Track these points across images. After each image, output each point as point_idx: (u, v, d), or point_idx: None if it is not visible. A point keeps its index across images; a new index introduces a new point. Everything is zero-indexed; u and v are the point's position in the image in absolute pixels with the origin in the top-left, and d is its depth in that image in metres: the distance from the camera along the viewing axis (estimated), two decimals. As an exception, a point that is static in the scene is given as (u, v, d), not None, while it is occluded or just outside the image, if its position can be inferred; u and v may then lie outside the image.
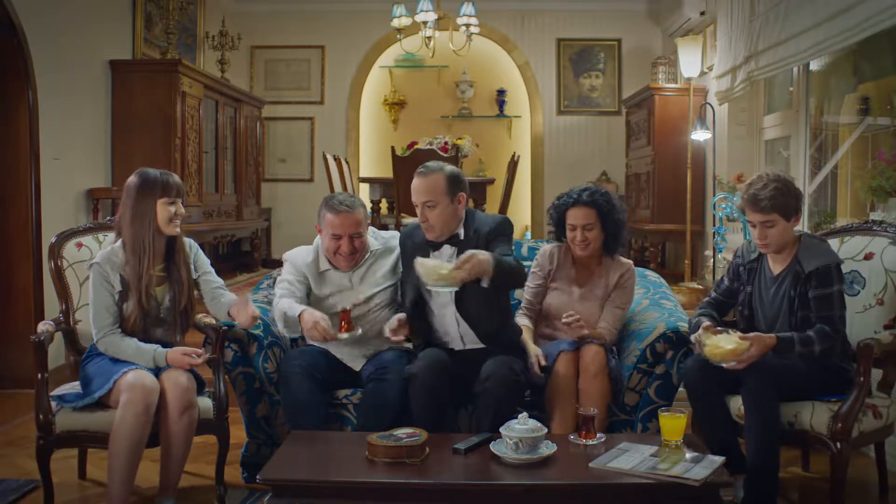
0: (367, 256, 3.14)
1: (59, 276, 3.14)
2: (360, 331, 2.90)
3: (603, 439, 2.58)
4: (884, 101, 4.55)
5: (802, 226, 4.99)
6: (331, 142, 8.16)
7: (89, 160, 5.09)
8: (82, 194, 4.96)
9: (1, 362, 4.47)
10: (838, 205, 4.90)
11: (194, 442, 2.87)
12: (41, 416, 2.74)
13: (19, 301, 4.47)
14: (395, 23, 5.92)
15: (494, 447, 2.43)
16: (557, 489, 2.33)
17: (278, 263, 6.39)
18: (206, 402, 2.91)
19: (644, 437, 2.72)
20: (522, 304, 3.27)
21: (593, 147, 8.21)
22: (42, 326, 2.93)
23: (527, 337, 3.14)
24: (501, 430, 2.44)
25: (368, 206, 6.33)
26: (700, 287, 5.84)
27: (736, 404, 2.78)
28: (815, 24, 4.31)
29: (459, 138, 6.26)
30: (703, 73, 6.36)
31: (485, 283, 2.77)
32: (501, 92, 8.32)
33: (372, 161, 8.40)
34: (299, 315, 2.89)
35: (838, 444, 2.62)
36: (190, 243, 3.03)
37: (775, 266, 2.85)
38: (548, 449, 2.42)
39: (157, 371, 2.77)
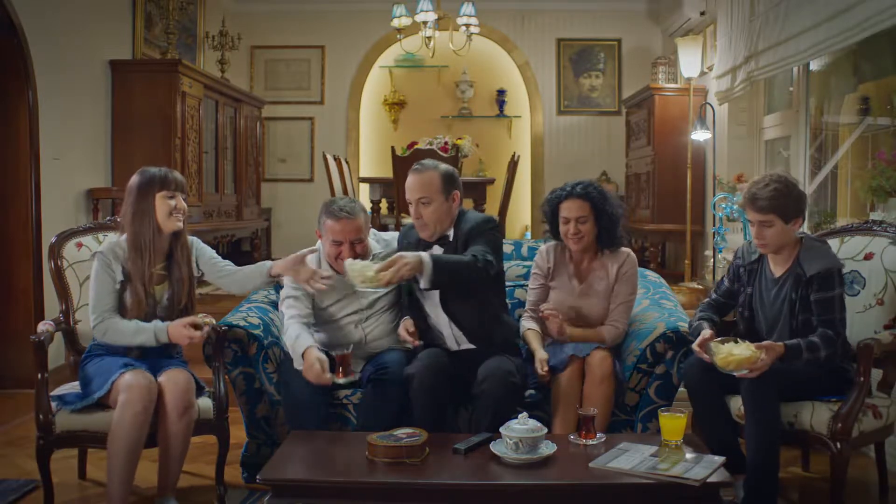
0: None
1: (59, 276, 3.14)
2: (357, 376, 2.87)
3: (603, 439, 2.58)
4: (884, 101, 4.54)
5: (802, 227, 4.99)
6: (331, 142, 8.16)
7: (89, 160, 5.09)
8: (82, 194, 4.96)
9: (1, 362, 4.48)
10: (838, 205, 4.90)
11: (194, 442, 2.87)
12: (41, 416, 2.74)
13: (19, 301, 4.47)
14: (395, 23, 5.92)
15: (494, 447, 2.44)
16: (557, 489, 2.33)
17: (278, 263, 6.40)
18: (206, 402, 2.91)
19: (644, 437, 2.72)
20: (526, 307, 3.26)
21: (593, 147, 8.21)
22: (42, 326, 2.93)
23: (533, 341, 3.09)
24: (501, 430, 2.44)
25: (368, 206, 6.34)
26: (700, 287, 5.84)
27: (736, 404, 2.78)
28: (815, 24, 4.31)
29: (459, 138, 6.25)
30: (703, 73, 6.36)
31: (423, 284, 2.77)
32: (501, 92, 8.31)
33: (372, 161, 8.40)
34: (303, 352, 2.84)
35: (838, 444, 2.62)
36: (192, 240, 3.03)
37: (776, 268, 2.84)
38: (548, 449, 2.42)
39: (155, 372, 2.77)
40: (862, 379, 2.70)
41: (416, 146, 5.78)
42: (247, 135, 6.98)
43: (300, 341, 2.86)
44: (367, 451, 2.44)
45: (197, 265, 3.01)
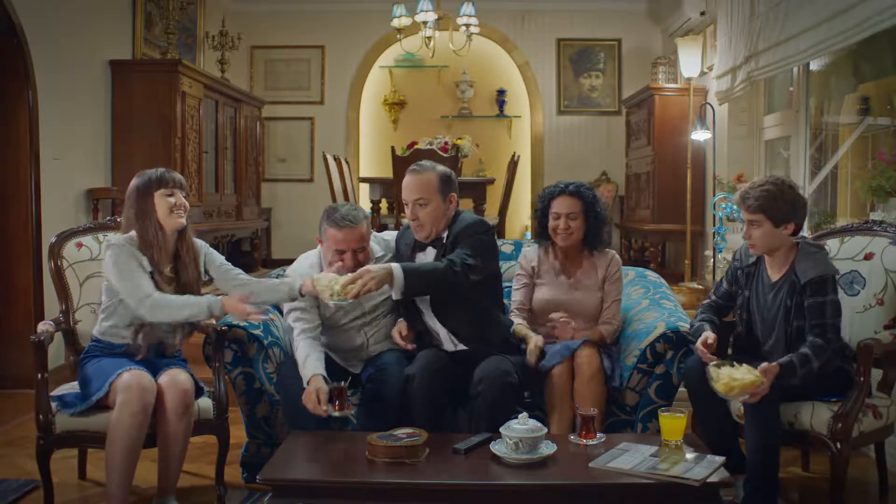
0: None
1: (59, 276, 3.14)
2: (353, 410, 2.83)
3: (603, 439, 2.58)
4: (884, 101, 4.55)
5: (802, 227, 4.99)
6: (331, 142, 8.16)
7: (89, 160, 5.09)
8: (82, 194, 4.96)
9: (1, 362, 4.48)
10: (838, 205, 4.90)
11: (194, 442, 2.88)
12: (41, 417, 2.74)
13: (19, 301, 4.47)
14: (395, 23, 5.92)
15: (494, 447, 2.44)
16: (557, 489, 2.33)
17: (278, 263, 6.41)
18: (206, 403, 2.92)
19: (644, 437, 2.72)
20: (513, 307, 3.30)
21: (593, 147, 8.21)
22: (42, 326, 2.93)
23: (524, 331, 3.12)
24: (501, 430, 2.44)
25: (368, 206, 6.35)
26: (700, 287, 5.83)
27: (736, 404, 2.78)
28: (815, 24, 4.31)
29: (459, 138, 6.25)
30: (703, 73, 6.36)
31: (394, 295, 2.79)
32: (501, 92, 8.31)
33: (372, 161, 8.40)
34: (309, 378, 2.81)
35: (838, 444, 2.63)
36: (201, 244, 3.02)
37: (773, 272, 2.83)
38: (548, 449, 2.42)
39: (155, 372, 2.77)
40: (862, 379, 2.70)
41: (416, 146, 5.78)
42: (247, 135, 6.98)
43: (308, 366, 2.82)
44: (367, 451, 2.44)
45: (206, 270, 3.00)
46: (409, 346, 3.00)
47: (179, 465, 2.79)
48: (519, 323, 3.20)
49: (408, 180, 3.02)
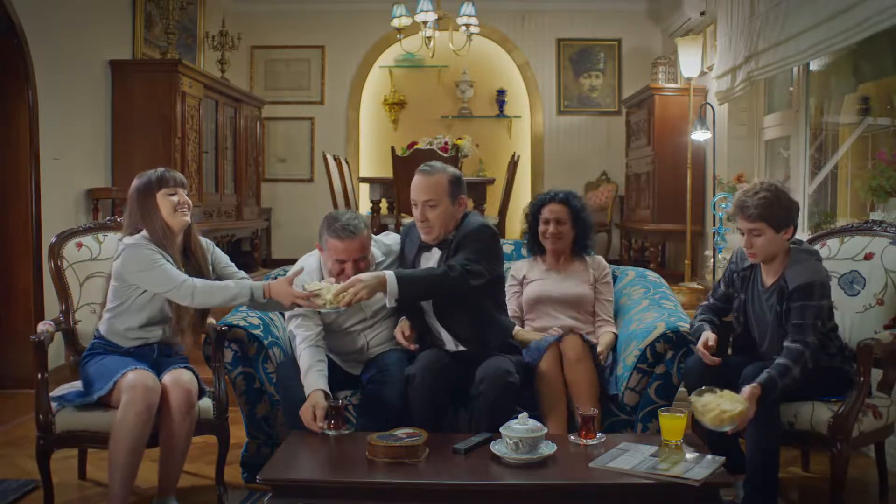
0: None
1: (59, 276, 3.14)
2: (351, 430, 2.78)
3: (603, 439, 2.58)
4: (884, 101, 4.55)
5: (802, 227, 4.99)
6: (331, 142, 8.16)
7: (89, 160, 5.09)
8: (82, 194, 4.96)
9: (1, 362, 4.48)
10: (838, 205, 4.90)
11: (194, 442, 2.87)
12: (41, 416, 2.74)
13: (19, 301, 4.47)
14: (395, 23, 5.92)
15: (494, 447, 2.44)
16: (557, 489, 2.33)
17: (278, 263, 6.41)
18: (206, 403, 2.91)
19: (644, 437, 2.72)
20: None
21: (593, 147, 8.21)
22: (42, 326, 2.93)
23: (524, 333, 3.24)
24: (501, 430, 2.44)
25: (368, 206, 6.35)
26: (700, 287, 5.83)
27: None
28: (815, 24, 4.31)
29: (459, 138, 6.25)
30: (703, 73, 6.36)
31: (388, 303, 2.79)
32: (501, 92, 8.31)
33: (372, 161, 8.40)
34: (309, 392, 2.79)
35: (838, 444, 2.62)
36: (206, 242, 3.02)
37: (767, 277, 2.82)
38: (548, 449, 2.42)
39: (159, 371, 2.77)
40: (862, 379, 2.70)
41: (416, 146, 5.78)
42: (247, 135, 6.98)
43: (309, 378, 2.81)
44: (367, 451, 2.44)
45: (213, 268, 3.00)
46: (412, 347, 2.99)
47: (181, 464, 2.79)
48: (518, 328, 3.26)
49: (418, 181, 3.00)
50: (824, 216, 4.78)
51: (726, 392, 2.47)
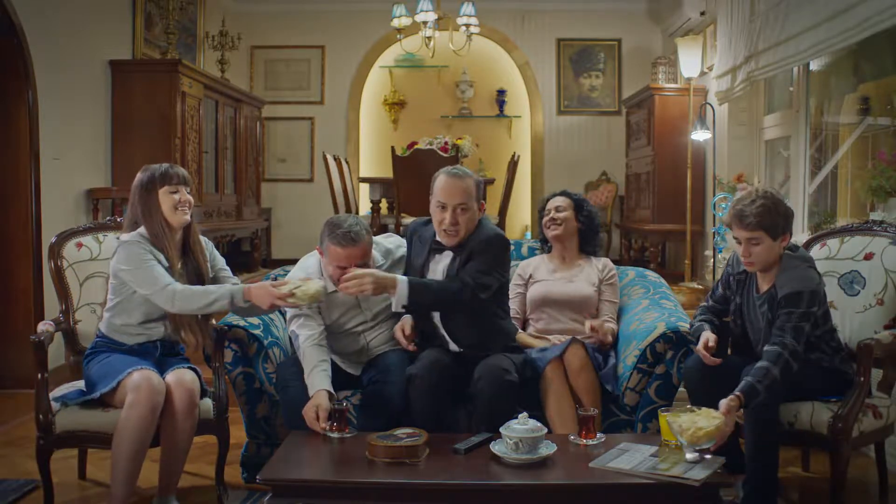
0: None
1: (59, 276, 3.14)
2: (352, 434, 2.75)
3: (603, 439, 2.58)
4: (884, 101, 4.55)
5: (802, 228, 4.99)
6: (331, 142, 8.16)
7: (89, 160, 5.09)
8: (82, 194, 4.96)
9: (1, 362, 4.48)
10: (838, 205, 4.90)
11: (195, 442, 2.87)
12: (41, 416, 2.74)
13: (19, 301, 4.47)
14: (395, 23, 5.92)
15: (494, 447, 2.43)
16: (557, 489, 2.33)
17: (278, 263, 6.41)
18: (206, 403, 2.91)
19: (644, 437, 2.72)
20: (511, 315, 3.32)
21: (593, 147, 8.21)
22: (42, 326, 2.93)
23: (525, 338, 3.24)
24: (501, 430, 2.44)
25: (368, 206, 6.35)
26: (700, 287, 5.84)
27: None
28: (815, 24, 4.31)
29: (459, 138, 6.25)
30: (703, 73, 6.36)
31: (394, 307, 2.83)
32: (501, 92, 8.32)
33: (372, 161, 8.40)
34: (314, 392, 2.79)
35: (838, 444, 2.62)
36: (205, 241, 3.02)
37: (762, 283, 2.81)
38: (548, 449, 2.42)
39: (162, 371, 2.77)
40: (862, 379, 2.70)
41: (416, 146, 5.77)
42: (247, 135, 6.98)
43: (314, 378, 2.80)
44: (367, 451, 2.44)
45: (210, 265, 3.00)
46: (411, 347, 3.00)
47: (182, 464, 2.79)
48: (518, 330, 3.26)
49: (450, 183, 2.96)
50: (824, 216, 4.78)
51: (703, 409, 2.43)
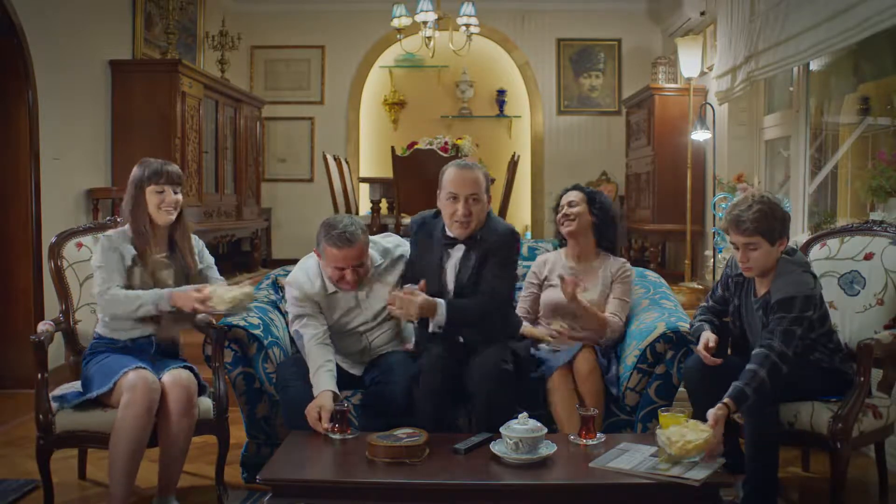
0: (371, 273, 3.04)
1: (59, 276, 3.14)
2: (354, 435, 2.73)
3: (603, 439, 2.59)
4: (884, 101, 4.55)
5: (802, 228, 4.99)
6: (331, 142, 8.16)
7: (89, 160, 5.09)
8: (82, 194, 4.96)
9: (1, 362, 4.48)
10: (838, 205, 4.90)
11: (194, 442, 2.87)
12: (41, 416, 2.74)
13: (19, 301, 4.47)
14: (395, 23, 5.92)
15: (494, 447, 2.44)
16: (557, 489, 2.33)
17: (278, 263, 6.41)
18: (206, 403, 2.91)
19: (644, 437, 2.72)
20: (518, 312, 3.32)
21: (593, 147, 8.21)
22: (42, 326, 2.93)
23: (531, 329, 3.24)
24: (501, 430, 2.44)
25: (368, 206, 6.35)
26: (700, 287, 5.84)
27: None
28: (815, 24, 4.31)
29: (459, 138, 6.24)
30: (703, 73, 6.36)
31: (431, 328, 2.89)
32: (501, 92, 8.32)
33: (372, 161, 8.40)
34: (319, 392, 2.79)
35: (838, 444, 2.62)
36: (196, 239, 3.04)
37: (759, 287, 2.81)
38: (548, 449, 2.42)
39: (159, 371, 2.77)
40: (862, 379, 2.70)
41: (416, 146, 5.77)
42: (247, 135, 6.98)
43: (319, 377, 2.81)
44: (368, 451, 2.44)
45: (199, 261, 3.02)
46: (408, 346, 3.02)
47: (181, 464, 2.79)
48: (525, 325, 3.26)
49: (461, 174, 2.99)
50: (824, 216, 4.78)
51: (691, 422, 2.43)
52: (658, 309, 3.22)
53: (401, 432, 2.51)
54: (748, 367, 2.56)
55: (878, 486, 2.98)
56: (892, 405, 2.86)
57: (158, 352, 2.91)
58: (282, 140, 8.30)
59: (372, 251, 3.06)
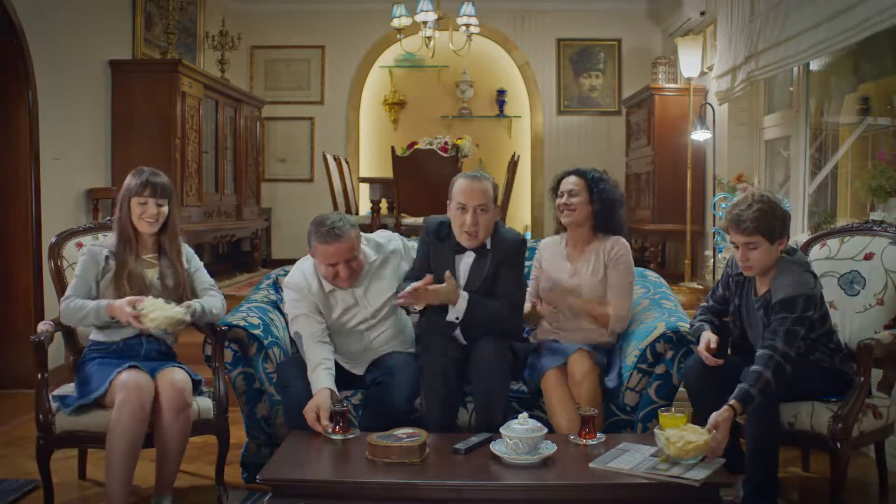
0: (367, 269, 3.07)
1: (59, 276, 3.14)
2: (354, 434, 2.73)
3: (603, 439, 2.59)
4: (884, 101, 4.55)
5: (802, 228, 4.99)
6: (331, 142, 8.16)
7: (89, 160, 5.09)
8: (82, 194, 4.96)
9: (1, 362, 4.48)
10: (838, 205, 4.90)
11: (194, 442, 2.87)
12: (41, 416, 2.75)
13: (19, 301, 4.47)
14: (395, 23, 5.92)
15: (494, 447, 2.44)
16: (557, 489, 2.33)
17: (278, 263, 6.41)
18: (206, 402, 2.92)
19: (644, 437, 2.72)
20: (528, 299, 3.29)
21: (593, 147, 8.21)
22: (42, 326, 2.93)
23: (530, 307, 3.20)
24: (501, 430, 2.44)
25: (368, 206, 6.35)
26: (700, 287, 5.84)
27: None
28: (815, 24, 4.31)
29: (459, 138, 6.24)
30: (703, 73, 6.36)
31: (449, 316, 2.94)
32: (501, 92, 8.31)
33: (372, 161, 8.40)
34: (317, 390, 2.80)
35: (838, 444, 2.62)
36: (185, 246, 3.08)
37: (760, 286, 2.81)
38: (548, 449, 2.42)
39: (152, 371, 2.78)
40: (862, 379, 2.69)
41: (416, 146, 5.78)
42: (247, 135, 6.98)
43: (318, 375, 2.83)
44: (368, 451, 2.44)
45: (188, 264, 3.05)
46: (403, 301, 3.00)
47: (176, 464, 2.80)
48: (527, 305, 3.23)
49: (469, 185, 3.02)
50: (824, 216, 4.78)
51: (690, 426, 2.43)
52: (658, 309, 3.22)
53: (401, 432, 2.51)
54: (752, 368, 2.56)
55: (878, 486, 2.98)
56: (892, 405, 2.86)
57: (152, 352, 2.91)
58: (282, 140, 8.30)
59: (365, 248, 3.08)
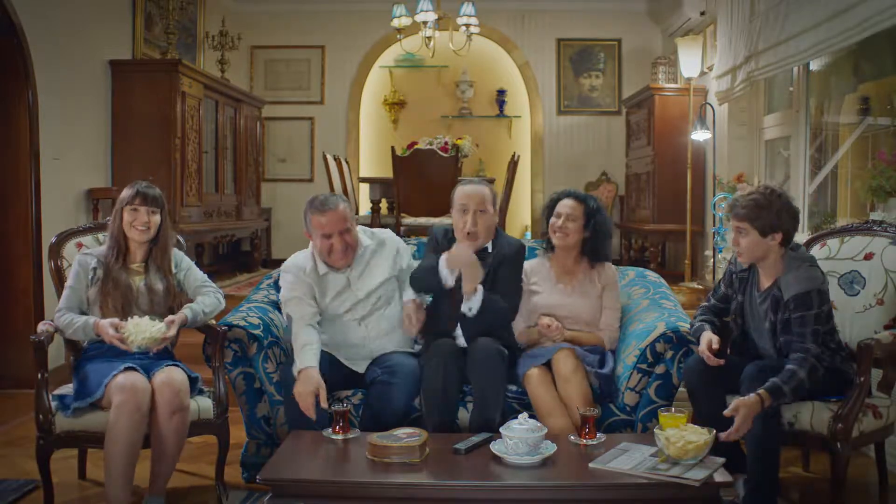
0: (361, 253, 3.13)
1: (59, 276, 3.14)
2: (354, 434, 2.71)
3: (603, 439, 2.59)
4: (884, 101, 4.55)
5: (802, 227, 4.99)
6: (331, 142, 8.16)
7: (89, 160, 5.09)
8: (82, 194, 4.96)
9: (1, 362, 4.48)
10: (838, 205, 4.90)
11: (194, 442, 2.87)
12: (41, 417, 2.75)
13: (19, 301, 4.47)
14: (395, 23, 5.91)
15: (494, 447, 2.44)
16: (557, 489, 2.33)
17: (278, 263, 6.39)
18: (206, 402, 2.92)
19: (644, 437, 2.71)
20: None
21: (593, 147, 8.21)
22: (42, 326, 2.93)
23: (522, 330, 3.25)
24: (501, 430, 2.44)
25: (368, 206, 6.35)
26: (700, 287, 5.84)
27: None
28: (815, 24, 4.31)
29: (459, 138, 6.25)
30: (703, 73, 6.36)
31: (463, 307, 2.99)
32: (501, 92, 8.31)
33: (372, 161, 8.40)
34: (300, 370, 2.83)
35: (838, 444, 2.62)
36: (175, 251, 3.12)
37: (764, 280, 2.82)
38: (548, 449, 2.42)
39: (149, 371, 2.78)
40: (862, 379, 2.69)
41: (416, 146, 5.78)
42: (247, 135, 6.98)
43: (302, 356, 2.86)
44: (368, 451, 2.44)
45: (177, 268, 3.08)
46: (414, 331, 3.11)
47: (171, 465, 2.80)
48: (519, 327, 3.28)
49: (470, 189, 3.14)
50: (824, 216, 4.78)
51: (689, 426, 2.43)
52: (658, 309, 3.22)
53: (401, 432, 2.51)
54: (787, 366, 2.59)
55: (878, 486, 2.98)
56: (892, 405, 2.86)
57: (154, 354, 2.91)
58: (282, 140, 8.30)
59: (362, 235, 3.19)
